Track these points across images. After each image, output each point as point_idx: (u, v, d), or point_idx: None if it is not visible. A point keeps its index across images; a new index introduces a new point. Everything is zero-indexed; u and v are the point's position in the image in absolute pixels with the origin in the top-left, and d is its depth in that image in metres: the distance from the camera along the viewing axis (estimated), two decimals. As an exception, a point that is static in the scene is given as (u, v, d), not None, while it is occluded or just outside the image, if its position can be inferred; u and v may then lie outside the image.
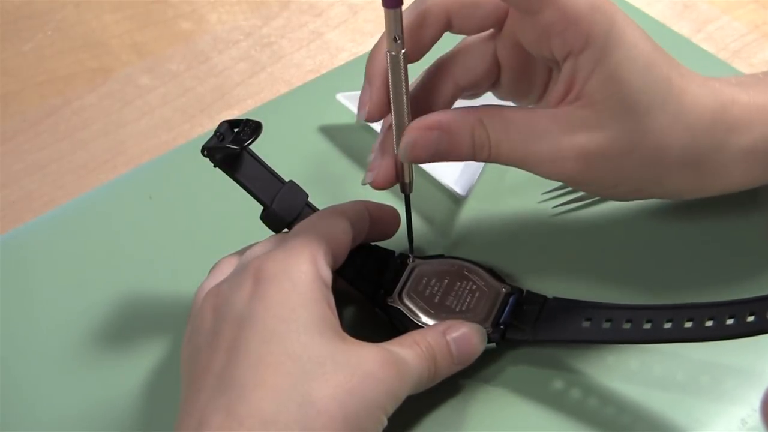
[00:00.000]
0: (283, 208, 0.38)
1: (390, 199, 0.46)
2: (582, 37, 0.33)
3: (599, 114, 0.34)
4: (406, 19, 0.35)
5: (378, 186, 0.38)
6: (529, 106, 0.39)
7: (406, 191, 0.39)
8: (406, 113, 0.36)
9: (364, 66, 0.38)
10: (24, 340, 0.42)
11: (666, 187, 0.37)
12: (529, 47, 0.36)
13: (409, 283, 0.39)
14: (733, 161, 0.37)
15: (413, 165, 0.39)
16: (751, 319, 0.33)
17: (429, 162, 0.37)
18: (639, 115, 0.34)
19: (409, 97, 0.36)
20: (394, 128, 0.36)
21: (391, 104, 0.36)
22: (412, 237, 0.40)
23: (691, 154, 0.36)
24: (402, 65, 0.35)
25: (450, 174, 0.47)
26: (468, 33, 0.38)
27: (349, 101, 0.48)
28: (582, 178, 0.36)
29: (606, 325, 0.36)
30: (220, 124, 0.38)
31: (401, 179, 0.38)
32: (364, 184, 0.38)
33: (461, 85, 0.38)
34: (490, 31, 0.37)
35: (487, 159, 0.36)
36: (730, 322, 0.33)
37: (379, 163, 0.38)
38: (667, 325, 0.35)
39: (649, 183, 0.37)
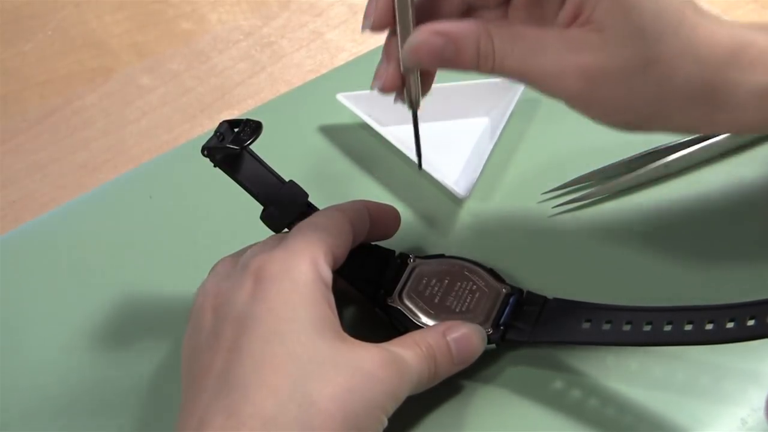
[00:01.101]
0: (283, 208, 0.38)
1: (390, 199, 0.46)
2: None
3: (607, 38, 0.33)
4: None
5: (386, 90, 0.37)
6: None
7: (413, 108, 0.38)
8: (411, 19, 0.35)
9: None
10: (24, 339, 0.42)
11: (675, 120, 0.36)
12: None
13: (409, 283, 0.39)
14: (746, 101, 0.36)
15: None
16: (751, 323, 0.33)
17: (430, 68, 0.36)
18: (647, 41, 0.33)
19: (414, 3, 0.35)
20: (398, 34, 0.36)
21: (396, 10, 0.35)
22: (420, 153, 0.40)
23: (700, 87, 0.35)
24: None
25: (450, 174, 0.47)
26: None
27: (349, 101, 0.48)
28: (585, 99, 0.35)
29: (606, 326, 0.36)
30: (220, 124, 0.38)
31: (408, 94, 0.37)
32: (372, 89, 0.37)
33: None
34: None
35: (491, 70, 0.35)
36: (730, 325, 0.33)
37: (385, 68, 0.37)
38: (667, 328, 0.35)
39: (656, 114, 0.35)
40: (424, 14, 0.36)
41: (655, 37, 0.34)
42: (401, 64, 0.36)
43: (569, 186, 0.45)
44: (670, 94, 0.35)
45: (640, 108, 0.35)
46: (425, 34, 0.35)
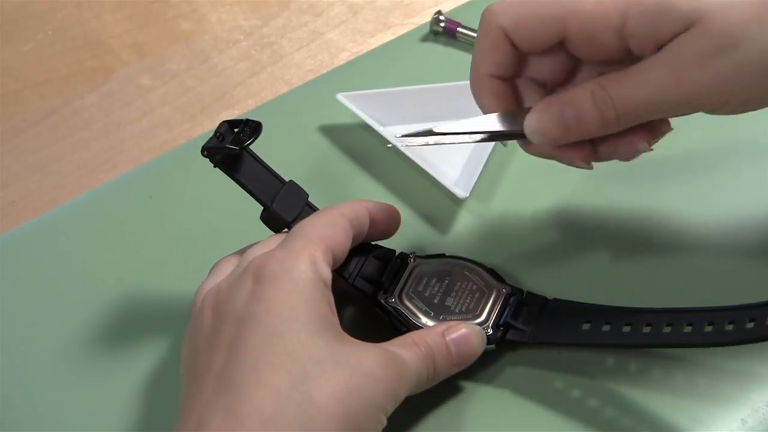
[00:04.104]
0: (283, 208, 0.38)
1: (390, 199, 0.46)
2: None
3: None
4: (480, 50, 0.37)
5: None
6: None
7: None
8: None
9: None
10: (24, 339, 0.42)
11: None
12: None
13: (409, 283, 0.39)
14: None
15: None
16: (750, 325, 0.33)
17: (558, 141, 0.36)
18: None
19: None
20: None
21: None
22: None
23: None
24: None
25: (450, 174, 0.47)
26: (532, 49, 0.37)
27: (349, 101, 0.48)
28: (719, 99, 0.35)
29: (605, 328, 0.36)
30: (220, 124, 0.38)
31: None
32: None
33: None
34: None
35: (616, 118, 0.35)
36: (729, 327, 0.33)
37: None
38: (667, 330, 0.35)
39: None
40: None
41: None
42: (530, 148, 0.37)
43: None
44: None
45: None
46: (539, 110, 0.36)
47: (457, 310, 0.39)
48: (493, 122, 0.37)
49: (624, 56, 0.35)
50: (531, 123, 0.36)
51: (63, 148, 0.55)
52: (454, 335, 0.36)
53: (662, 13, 0.34)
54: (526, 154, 0.40)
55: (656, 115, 0.36)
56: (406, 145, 0.38)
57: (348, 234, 0.37)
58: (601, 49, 0.35)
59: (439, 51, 0.54)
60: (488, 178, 0.47)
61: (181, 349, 0.36)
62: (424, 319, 0.38)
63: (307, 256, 0.34)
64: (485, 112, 0.38)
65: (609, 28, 0.35)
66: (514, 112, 0.37)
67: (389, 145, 0.40)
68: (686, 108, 0.35)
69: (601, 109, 0.35)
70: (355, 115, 0.48)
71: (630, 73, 0.35)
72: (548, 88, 0.39)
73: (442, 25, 0.54)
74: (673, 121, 0.40)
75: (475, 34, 0.53)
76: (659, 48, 0.34)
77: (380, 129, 0.48)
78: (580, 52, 0.36)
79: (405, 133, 0.37)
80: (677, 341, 0.35)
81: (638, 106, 0.35)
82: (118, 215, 0.47)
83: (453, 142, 0.37)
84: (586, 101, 0.35)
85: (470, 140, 0.37)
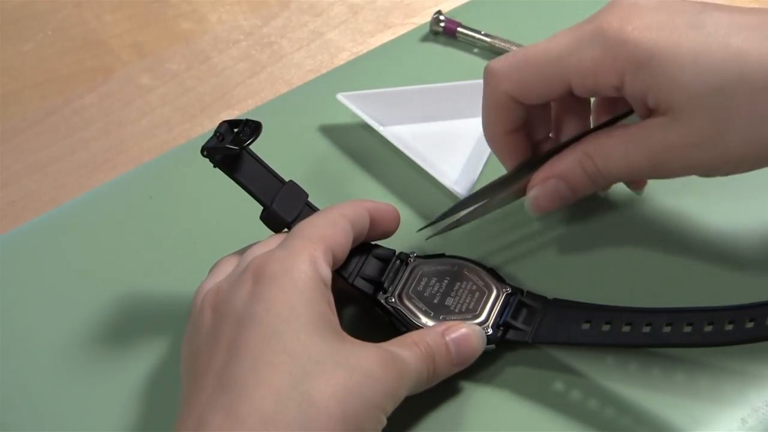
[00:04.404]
0: (283, 208, 0.38)
1: (390, 199, 0.46)
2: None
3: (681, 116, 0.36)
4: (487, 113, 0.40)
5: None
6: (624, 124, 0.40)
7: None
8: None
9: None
10: (24, 339, 0.42)
11: None
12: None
13: (409, 283, 0.39)
14: None
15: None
16: (750, 325, 0.33)
17: (554, 210, 0.40)
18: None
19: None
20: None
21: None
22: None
23: None
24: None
25: (450, 174, 0.47)
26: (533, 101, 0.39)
27: (349, 101, 0.48)
28: (701, 167, 0.37)
29: (605, 327, 0.36)
30: (220, 124, 0.38)
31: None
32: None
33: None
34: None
35: (606, 184, 0.40)
36: (729, 327, 0.33)
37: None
38: (667, 329, 0.35)
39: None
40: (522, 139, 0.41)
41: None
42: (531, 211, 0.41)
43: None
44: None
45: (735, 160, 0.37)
46: (537, 186, 0.39)
47: (457, 310, 0.39)
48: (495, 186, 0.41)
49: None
50: (530, 203, 0.40)
51: (63, 148, 0.55)
52: (454, 335, 0.36)
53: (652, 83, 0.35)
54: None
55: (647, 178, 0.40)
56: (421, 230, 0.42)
57: (348, 234, 0.37)
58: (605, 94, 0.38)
59: (439, 51, 0.54)
60: (488, 178, 0.47)
61: (181, 349, 0.36)
62: (423, 319, 0.38)
63: (307, 256, 0.34)
64: (506, 166, 0.41)
65: (610, 87, 0.36)
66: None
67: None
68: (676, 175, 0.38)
69: (592, 178, 0.38)
70: (355, 115, 0.48)
71: (615, 143, 0.37)
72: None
73: (442, 25, 0.54)
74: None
75: (474, 34, 0.53)
76: (651, 109, 0.36)
77: (380, 129, 0.48)
78: (584, 96, 0.39)
79: (430, 235, 0.42)
80: (677, 341, 0.35)
81: (625, 176, 0.39)
82: (118, 215, 0.47)
83: (470, 220, 0.41)
84: (577, 173, 0.38)
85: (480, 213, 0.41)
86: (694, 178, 0.38)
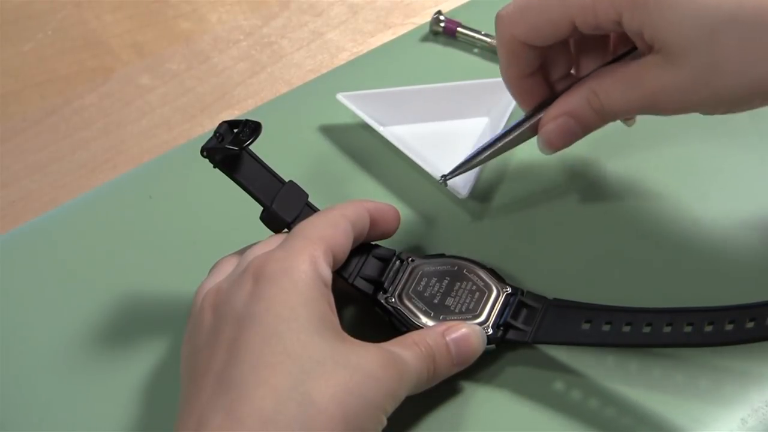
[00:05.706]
0: (283, 208, 0.38)
1: (390, 199, 0.46)
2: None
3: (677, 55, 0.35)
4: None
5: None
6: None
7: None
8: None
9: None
10: (24, 339, 0.42)
11: None
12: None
13: (409, 283, 0.39)
14: None
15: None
16: (750, 325, 0.33)
17: (566, 147, 0.40)
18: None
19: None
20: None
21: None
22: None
23: None
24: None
25: (450, 174, 0.47)
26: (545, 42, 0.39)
27: (349, 101, 0.48)
28: (692, 102, 0.37)
29: (605, 327, 0.36)
30: (220, 124, 0.38)
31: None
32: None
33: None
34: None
35: (613, 116, 0.39)
36: (729, 327, 0.33)
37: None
38: (667, 329, 0.35)
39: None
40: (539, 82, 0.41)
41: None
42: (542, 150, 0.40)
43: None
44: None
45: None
46: (548, 123, 0.39)
47: (457, 310, 0.39)
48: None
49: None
50: (542, 141, 0.40)
51: (63, 148, 0.55)
52: (454, 335, 0.36)
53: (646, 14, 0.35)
54: (527, 153, 0.41)
55: (644, 112, 0.38)
56: (446, 180, 0.42)
57: (348, 235, 0.37)
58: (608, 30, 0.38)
59: (439, 51, 0.54)
60: (488, 178, 0.47)
61: (181, 349, 0.36)
62: (424, 319, 0.38)
63: (307, 256, 0.34)
64: (523, 107, 0.41)
65: (610, 22, 0.35)
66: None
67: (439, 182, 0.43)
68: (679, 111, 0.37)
69: (599, 115, 0.38)
70: (355, 115, 0.48)
71: (615, 81, 0.37)
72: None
73: (442, 25, 0.54)
74: (674, 122, 0.40)
75: (474, 34, 0.53)
76: (650, 46, 0.36)
77: (380, 129, 0.48)
78: (589, 33, 0.38)
79: (444, 174, 0.42)
80: (677, 341, 0.35)
81: (626, 114, 0.39)
82: (118, 215, 0.47)
83: (489, 158, 0.41)
84: (585, 110, 0.38)
85: (498, 151, 0.41)
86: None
